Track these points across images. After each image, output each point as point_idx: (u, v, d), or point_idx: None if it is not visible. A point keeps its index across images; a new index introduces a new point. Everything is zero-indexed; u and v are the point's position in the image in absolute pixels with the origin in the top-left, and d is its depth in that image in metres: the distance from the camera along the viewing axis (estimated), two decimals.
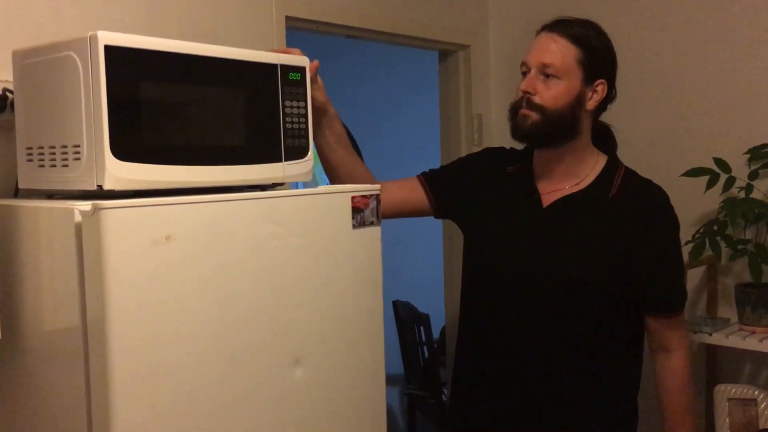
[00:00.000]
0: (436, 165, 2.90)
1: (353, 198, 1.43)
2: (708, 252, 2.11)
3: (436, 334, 4.00)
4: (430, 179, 1.80)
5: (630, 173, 1.66)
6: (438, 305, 3.08)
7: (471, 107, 2.78)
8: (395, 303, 4.03)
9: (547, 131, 1.55)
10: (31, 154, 1.31)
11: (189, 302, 1.18)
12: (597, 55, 1.57)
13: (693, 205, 2.23)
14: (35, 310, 1.25)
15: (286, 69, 1.42)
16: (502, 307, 1.63)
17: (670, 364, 1.64)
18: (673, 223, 1.63)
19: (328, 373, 1.40)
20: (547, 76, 1.54)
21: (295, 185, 1.71)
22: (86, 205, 1.10)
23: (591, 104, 1.58)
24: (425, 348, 4.01)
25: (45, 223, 1.22)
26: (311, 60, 1.49)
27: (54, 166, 1.25)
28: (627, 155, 1.74)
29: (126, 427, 1.10)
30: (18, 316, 1.26)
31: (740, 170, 2.18)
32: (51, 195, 1.32)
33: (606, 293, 1.58)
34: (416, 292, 4.08)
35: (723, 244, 2.14)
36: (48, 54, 1.25)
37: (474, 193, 1.74)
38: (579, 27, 1.57)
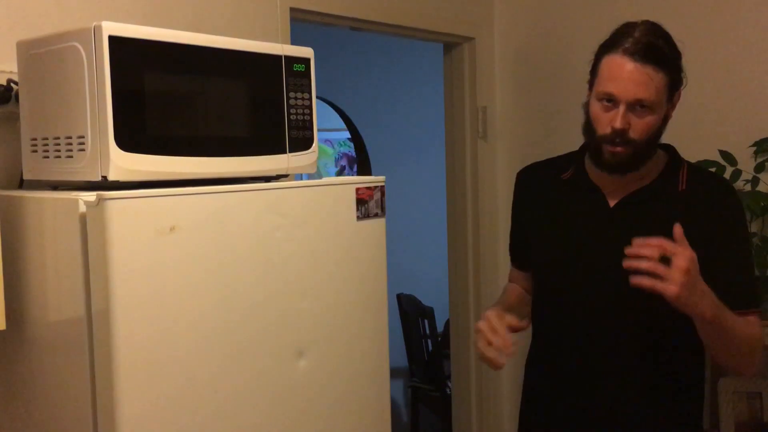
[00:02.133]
0: (441, 158, 2.92)
1: (358, 189, 1.43)
2: None
3: (440, 328, 4.00)
4: (516, 259, 1.78)
5: (695, 167, 1.60)
6: (442, 298, 3.08)
7: (476, 99, 2.77)
8: (399, 296, 4.03)
9: (638, 160, 1.50)
10: (35, 145, 1.31)
11: (193, 293, 1.18)
12: (677, 71, 1.50)
13: None
14: (40, 300, 1.25)
15: (291, 60, 1.42)
16: (580, 311, 1.58)
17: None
18: (740, 217, 1.57)
19: (331, 365, 1.39)
20: (638, 109, 1.45)
21: (299, 177, 1.71)
22: (91, 196, 1.09)
23: (671, 114, 1.53)
24: (429, 341, 4.01)
25: (50, 214, 1.22)
26: (316, 52, 1.49)
27: (59, 157, 1.25)
28: None
29: (130, 416, 1.10)
30: (23, 307, 1.27)
31: (746, 163, 2.17)
32: (55, 186, 1.32)
33: None
34: (420, 286, 4.08)
35: None
36: (52, 45, 1.25)
37: (534, 217, 1.69)
38: (659, 44, 1.46)
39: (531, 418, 1.72)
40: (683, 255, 1.33)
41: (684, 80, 1.55)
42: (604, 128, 1.48)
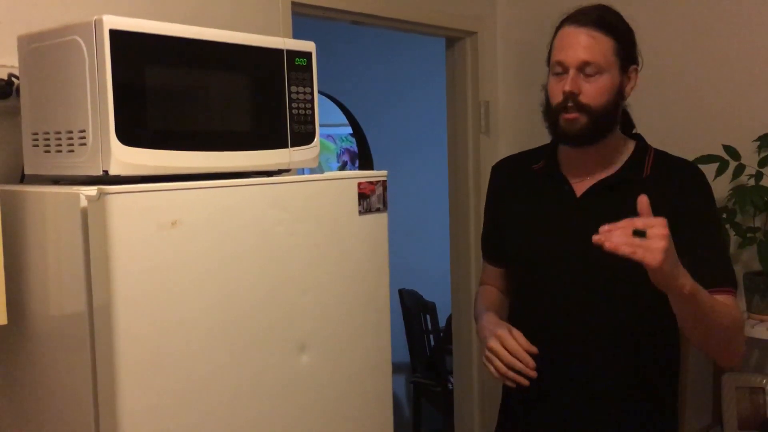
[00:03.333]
0: (443, 153, 2.91)
1: (360, 184, 1.42)
2: None
3: (442, 323, 4.00)
4: (488, 255, 1.79)
5: (661, 154, 1.61)
6: (444, 294, 3.08)
7: (478, 94, 2.76)
8: (401, 291, 4.03)
9: (596, 130, 1.50)
10: (36, 140, 1.30)
11: (195, 288, 1.17)
12: (628, 41, 1.52)
13: None
14: (41, 295, 1.25)
15: (293, 54, 1.41)
16: (552, 302, 1.59)
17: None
18: (709, 197, 1.57)
19: (333, 360, 1.39)
20: (588, 73, 1.48)
21: (301, 171, 1.70)
22: (92, 190, 1.09)
23: (628, 92, 1.54)
24: (431, 336, 4.01)
25: (51, 209, 1.22)
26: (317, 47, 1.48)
27: (60, 151, 1.25)
28: None
29: (132, 411, 1.10)
30: (24, 302, 1.26)
31: (750, 157, 2.16)
32: (57, 180, 1.32)
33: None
34: (422, 281, 4.08)
35: (732, 232, 2.13)
36: (53, 39, 1.24)
37: (505, 208, 1.70)
38: (607, 15, 1.51)
39: (510, 403, 1.73)
40: (658, 223, 1.28)
41: (640, 59, 1.57)
42: (557, 97, 1.50)
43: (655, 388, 1.60)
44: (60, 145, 1.25)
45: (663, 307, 1.53)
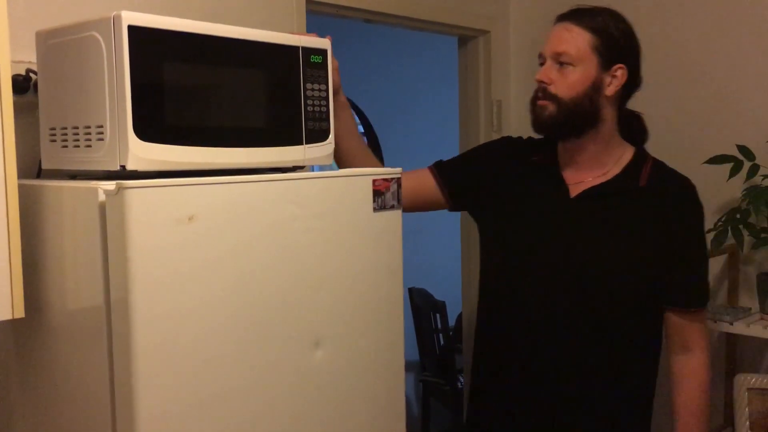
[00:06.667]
0: (455, 152, 2.91)
1: (374, 181, 1.43)
2: (730, 240, 2.09)
3: (452, 322, 4.00)
4: (441, 168, 1.78)
5: (658, 164, 1.63)
6: (454, 292, 3.08)
7: (490, 93, 2.76)
8: (411, 290, 4.03)
9: (565, 121, 1.53)
10: (54, 135, 1.31)
11: (211, 283, 1.18)
12: (614, 40, 1.54)
13: (715, 193, 2.21)
14: (58, 289, 1.26)
15: (308, 51, 1.41)
16: (529, 297, 1.60)
17: (690, 364, 1.59)
18: (701, 216, 1.61)
19: (348, 356, 1.40)
20: (562, 64, 1.53)
21: (312, 169, 1.71)
22: (110, 185, 1.10)
23: (610, 90, 1.55)
24: (441, 335, 4.01)
25: (69, 203, 1.23)
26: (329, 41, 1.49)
27: (77, 146, 1.26)
28: (649, 142, 1.72)
29: (148, 405, 1.11)
30: (41, 295, 1.27)
31: (764, 158, 2.15)
32: (74, 175, 1.33)
33: (635, 287, 1.56)
34: (432, 280, 4.08)
35: (745, 233, 2.12)
36: (71, 34, 1.25)
37: (494, 181, 1.71)
38: (594, 14, 1.55)
39: (479, 407, 1.74)
40: None
41: (639, 78, 1.57)
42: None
43: (630, 388, 1.61)
44: (77, 140, 1.26)
45: (644, 320, 1.60)
